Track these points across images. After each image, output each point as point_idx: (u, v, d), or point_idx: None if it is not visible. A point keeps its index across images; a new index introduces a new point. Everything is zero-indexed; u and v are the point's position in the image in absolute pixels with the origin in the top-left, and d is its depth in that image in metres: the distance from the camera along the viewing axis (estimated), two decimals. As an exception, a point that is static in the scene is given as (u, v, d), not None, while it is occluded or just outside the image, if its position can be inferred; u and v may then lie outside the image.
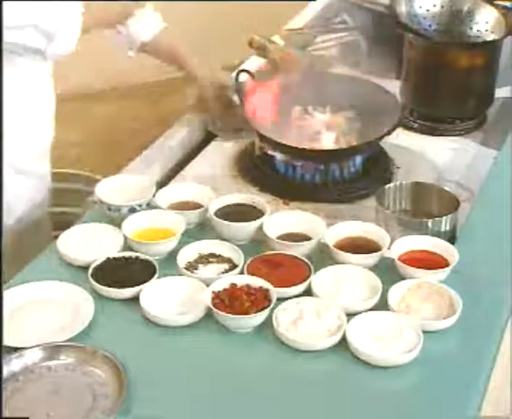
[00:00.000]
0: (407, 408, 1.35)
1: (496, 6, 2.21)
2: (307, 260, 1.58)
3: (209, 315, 1.48)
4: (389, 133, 1.92)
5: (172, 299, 1.52)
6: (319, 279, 1.54)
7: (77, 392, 1.35)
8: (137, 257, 1.60)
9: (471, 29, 2.21)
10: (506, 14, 2.17)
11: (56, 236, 1.66)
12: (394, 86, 2.13)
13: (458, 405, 1.35)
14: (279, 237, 1.64)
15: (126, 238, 1.63)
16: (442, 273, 1.56)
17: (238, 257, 1.59)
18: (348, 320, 1.44)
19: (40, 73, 1.91)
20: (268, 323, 1.46)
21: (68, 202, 2.46)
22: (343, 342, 1.42)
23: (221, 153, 2.04)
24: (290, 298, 1.50)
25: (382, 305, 1.50)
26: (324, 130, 1.96)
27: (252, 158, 1.99)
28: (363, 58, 2.23)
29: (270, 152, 1.93)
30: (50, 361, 1.39)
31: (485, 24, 2.19)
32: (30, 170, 1.95)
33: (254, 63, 2.30)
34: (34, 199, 1.99)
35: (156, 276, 1.55)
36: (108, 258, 1.59)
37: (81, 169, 2.66)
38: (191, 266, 1.59)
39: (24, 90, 1.88)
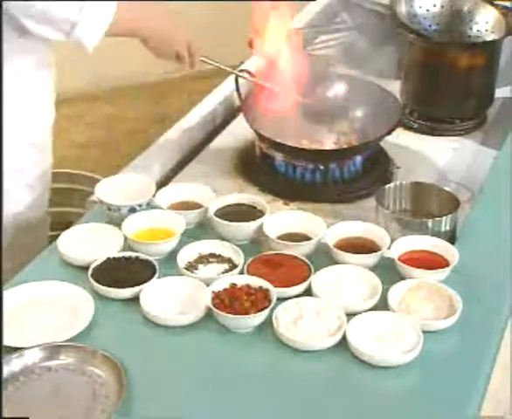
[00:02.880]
0: (407, 408, 1.35)
1: (496, 6, 2.21)
2: (307, 260, 1.58)
3: (209, 315, 1.48)
4: (389, 133, 1.92)
5: (172, 299, 1.52)
6: (319, 279, 1.54)
7: (77, 392, 1.35)
8: (137, 257, 1.60)
9: (471, 29, 2.21)
10: (506, 14, 2.17)
11: (56, 237, 1.66)
12: (394, 86, 2.13)
13: (458, 405, 1.35)
14: (279, 237, 1.64)
15: (126, 238, 1.63)
16: (442, 273, 1.56)
17: (238, 257, 1.59)
18: (348, 320, 1.44)
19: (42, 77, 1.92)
20: (268, 323, 1.46)
21: (68, 202, 2.47)
22: (343, 342, 1.42)
23: (221, 153, 2.04)
24: (290, 298, 1.51)
25: (382, 305, 1.50)
26: (324, 130, 1.96)
27: (252, 158, 1.99)
28: (363, 58, 2.23)
29: (270, 152, 1.93)
30: (50, 361, 1.39)
31: (485, 24, 2.19)
32: (30, 165, 1.95)
33: (254, 63, 2.30)
34: (33, 195, 1.99)
35: (156, 276, 1.55)
36: (108, 258, 1.59)
37: (82, 169, 2.66)
38: (191, 266, 1.59)
39: (22, 78, 1.88)
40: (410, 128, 2.15)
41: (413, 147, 2.08)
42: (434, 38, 2.20)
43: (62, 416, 1.31)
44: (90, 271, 1.56)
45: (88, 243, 1.65)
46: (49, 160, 2.04)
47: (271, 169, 1.94)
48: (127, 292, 1.52)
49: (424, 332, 1.43)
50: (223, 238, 1.66)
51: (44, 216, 2.07)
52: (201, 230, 1.70)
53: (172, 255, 1.61)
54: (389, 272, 1.57)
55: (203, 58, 1.95)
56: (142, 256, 1.60)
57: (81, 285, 1.54)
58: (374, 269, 1.58)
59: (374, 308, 1.50)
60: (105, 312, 1.50)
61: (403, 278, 1.55)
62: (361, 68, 2.17)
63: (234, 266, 1.58)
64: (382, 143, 1.96)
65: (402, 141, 2.07)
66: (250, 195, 1.78)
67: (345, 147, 1.93)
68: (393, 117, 1.94)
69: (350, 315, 1.46)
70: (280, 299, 1.49)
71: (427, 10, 2.24)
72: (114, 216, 1.70)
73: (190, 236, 1.65)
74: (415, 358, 1.40)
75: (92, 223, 1.71)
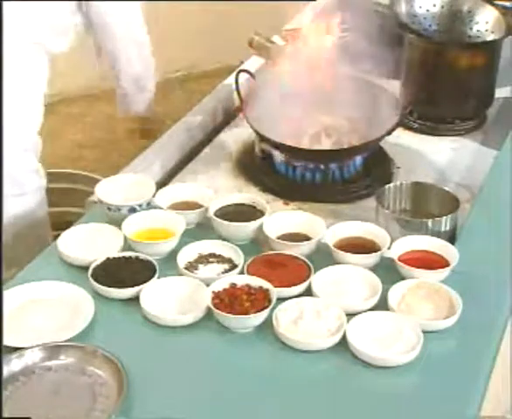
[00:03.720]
0: (407, 408, 1.35)
1: (496, 6, 2.21)
2: (307, 260, 1.58)
3: (209, 315, 1.48)
4: (389, 133, 1.92)
5: (172, 299, 1.52)
6: (319, 279, 1.54)
7: (77, 392, 1.35)
8: (137, 257, 1.60)
9: (471, 29, 2.21)
10: (506, 14, 2.17)
11: (56, 236, 1.66)
12: (394, 86, 2.13)
13: (458, 405, 1.35)
14: (279, 237, 1.64)
15: (126, 238, 1.63)
16: (442, 273, 1.56)
17: (238, 257, 1.59)
18: (348, 320, 1.44)
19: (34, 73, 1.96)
20: (268, 323, 1.46)
21: (68, 202, 2.47)
22: (343, 342, 1.42)
23: (221, 153, 2.04)
24: (290, 298, 1.50)
25: (382, 305, 1.50)
26: (324, 130, 1.96)
27: (252, 158, 1.99)
28: (363, 58, 2.23)
29: (270, 152, 1.93)
30: (50, 361, 1.39)
31: (485, 24, 2.19)
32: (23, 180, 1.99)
33: (254, 63, 2.30)
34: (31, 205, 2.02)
35: (156, 276, 1.55)
36: (108, 258, 1.59)
37: (81, 169, 2.66)
38: (191, 266, 1.59)
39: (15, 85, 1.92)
40: (410, 128, 2.15)
41: (413, 147, 2.08)
42: (434, 38, 2.20)
43: (62, 416, 1.31)
44: (90, 271, 1.56)
45: (88, 243, 1.65)
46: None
47: (271, 169, 1.94)
48: (127, 292, 1.52)
49: (424, 332, 1.43)
50: (223, 238, 1.66)
51: (46, 217, 2.08)
52: (201, 230, 1.70)
53: (172, 255, 1.61)
54: (389, 272, 1.57)
55: None
56: (142, 256, 1.60)
57: (81, 285, 1.53)
58: (374, 269, 1.58)
59: (374, 308, 1.50)
60: (105, 312, 1.50)
61: (403, 278, 1.55)
62: (361, 68, 2.17)
63: (234, 266, 1.58)
64: (382, 143, 1.96)
65: (402, 141, 2.08)
66: (250, 195, 1.78)
67: (345, 147, 1.93)
68: (393, 117, 1.94)
69: (350, 315, 1.46)
70: (280, 299, 1.49)
71: (427, 10, 2.24)
72: (114, 216, 1.70)
73: (190, 236, 1.65)
74: (415, 358, 1.40)
75: (92, 223, 1.71)
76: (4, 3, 1.79)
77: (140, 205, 1.72)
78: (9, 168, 1.92)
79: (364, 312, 1.48)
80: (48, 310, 1.50)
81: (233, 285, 1.52)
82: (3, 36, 1.82)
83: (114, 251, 1.61)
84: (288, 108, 1.97)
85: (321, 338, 1.43)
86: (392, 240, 1.61)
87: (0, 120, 1.80)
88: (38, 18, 1.92)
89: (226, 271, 1.57)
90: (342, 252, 1.59)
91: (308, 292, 1.53)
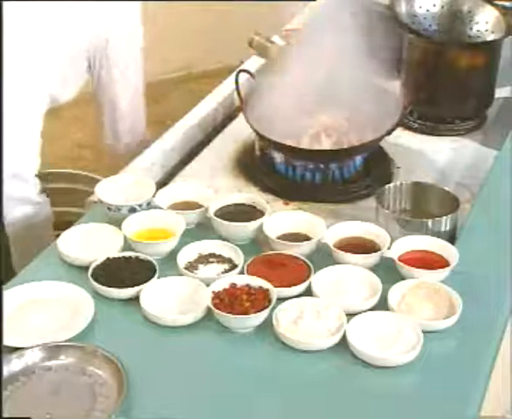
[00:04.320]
0: (407, 408, 1.35)
1: (496, 6, 2.21)
2: (307, 260, 1.58)
3: (209, 315, 1.48)
4: (389, 133, 1.92)
5: (172, 299, 1.52)
6: (319, 279, 1.54)
7: (77, 392, 1.35)
8: (137, 257, 1.60)
9: (471, 29, 2.21)
10: (506, 14, 2.17)
11: (56, 237, 1.66)
12: (394, 86, 2.12)
13: (458, 405, 1.35)
14: (279, 237, 1.64)
15: (126, 238, 1.63)
16: (442, 273, 1.56)
17: (238, 257, 1.59)
18: (348, 320, 1.44)
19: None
20: (268, 323, 1.46)
21: (68, 202, 2.47)
22: (343, 342, 1.42)
23: (221, 153, 2.04)
24: (290, 298, 1.50)
25: (382, 305, 1.50)
26: (324, 130, 1.96)
27: (252, 158, 1.99)
28: (363, 57, 2.23)
29: (270, 152, 1.93)
30: (50, 361, 1.39)
31: (485, 24, 2.19)
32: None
33: (254, 63, 2.30)
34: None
35: (156, 276, 1.55)
36: (108, 258, 1.59)
37: (81, 169, 2.66)
38: (191, 266, 1.59)
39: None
40: (410, 128, 2.15)
41: (413, 147, 2.08)
42: (434, 38, 2.20)
43: (62, 416, 1.31)
44: (90, 271, 1.56)
45: (88, 243, 1.65)
46: None
47: (271, 169, 1.94)
48: (127, 292, 1.52)
49: (424, 332, 1.43)
50: (223, 238, 1.66)
51: (50, 216, 2.10)
52: (201, 230, 1.70)
53: (172, 255, 1.61)
54: (389, 272, 1.57)
55: None
56: (142, 256, 1.60)
57: (81, 285, 1.54)
58: (374, 269, 1.58)
59: (374, 308, 1.50)
60: (105, 312, 1.50)
61: (403, 278, 1.55)
62: (361, 68, 2.17)
63: (234, 266, 1.58)
64: (382, 143, 1.96)
65: (402, 141, 2.08)
66: (250, 195, 1.78)
67: (345, 147, 1.93)
68: (393, 117, 1.94)
69: (350, 315, 1.46)
70: (280, 299, 1.49)
71: (427, 10, 2.24)
72: (114, 216, 1.70)
73: (190, 236, 1.65)
74: (415, 358, 1.40)
75: (92, 223, 1.71)
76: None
77: (140, 205, 1.72)
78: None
79: (364, 312, 1.48)
80: (48, 310, 1.50)
81: (233, 285, 1.52)
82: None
83: (114, 251, 1.61)
84: (288, 108, 1.97)
85: (321, 338, 1.43)
86: (392, 240, 1.61)
87: (0, 123, 1.81)
88: (50, 71, 1.98)
89: (226, 271, 1.57)
90: (342, 252, 1.59)
91: (308, 292, 1.53)
